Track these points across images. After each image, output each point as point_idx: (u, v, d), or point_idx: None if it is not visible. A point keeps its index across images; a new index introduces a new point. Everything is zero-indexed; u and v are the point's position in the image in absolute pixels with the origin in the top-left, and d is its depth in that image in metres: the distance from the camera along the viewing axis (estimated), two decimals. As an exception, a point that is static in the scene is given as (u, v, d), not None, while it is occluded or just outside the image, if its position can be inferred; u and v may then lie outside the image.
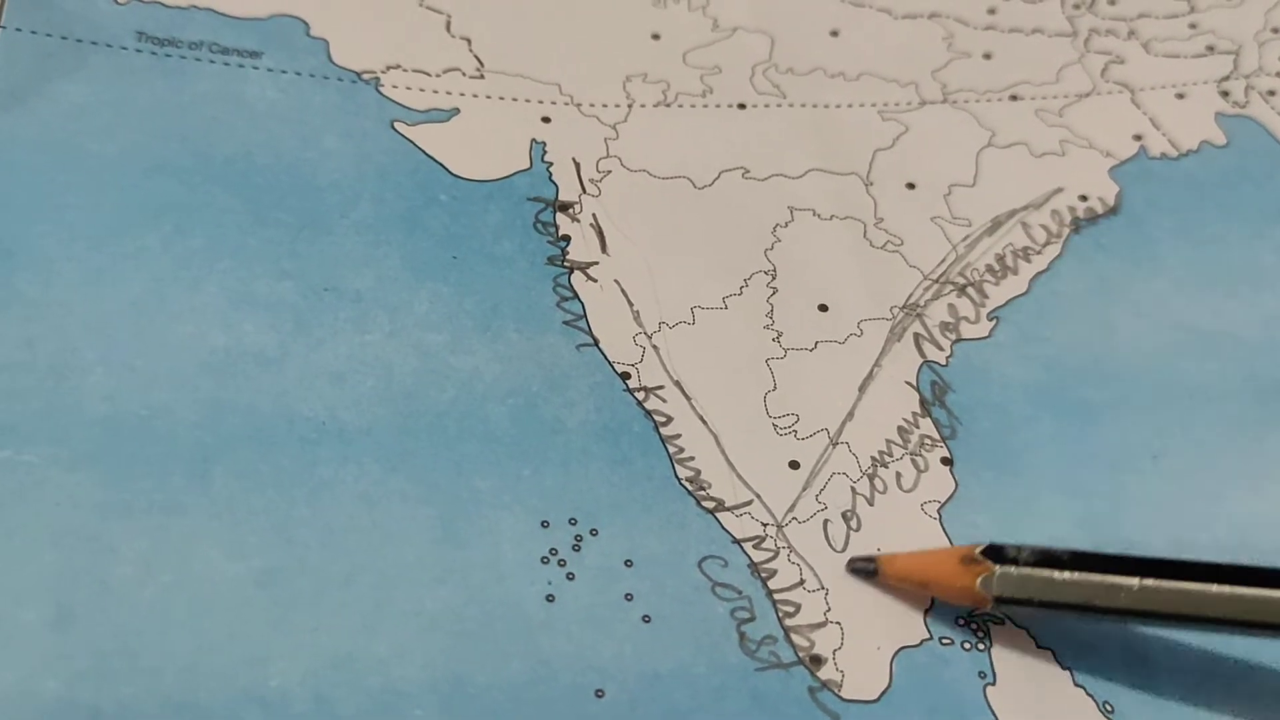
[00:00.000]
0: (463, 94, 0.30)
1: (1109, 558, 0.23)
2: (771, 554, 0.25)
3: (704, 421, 0.26)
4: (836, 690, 0.23)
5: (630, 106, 0.31)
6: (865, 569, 0.24)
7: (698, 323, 0.27)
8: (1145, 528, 0.26)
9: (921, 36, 0.33)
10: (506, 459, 0.25)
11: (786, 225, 0.29)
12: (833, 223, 0.30)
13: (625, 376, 0.26)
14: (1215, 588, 0.23)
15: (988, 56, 0.33)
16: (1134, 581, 0.23)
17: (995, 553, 0.23)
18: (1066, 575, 0.23)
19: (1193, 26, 0.34)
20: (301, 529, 0.23)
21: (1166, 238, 0.30)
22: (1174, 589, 0.23)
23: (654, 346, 0.27)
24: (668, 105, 0.31)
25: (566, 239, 0.28)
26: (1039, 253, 0.30)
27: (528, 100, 0.30)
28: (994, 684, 0.24)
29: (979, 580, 0.23)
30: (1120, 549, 0.25)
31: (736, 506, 0.25)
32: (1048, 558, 0.23)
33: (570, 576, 0.24)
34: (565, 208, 0.29)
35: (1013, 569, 0.23)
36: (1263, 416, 0.28)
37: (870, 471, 0.26)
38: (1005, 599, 0.23)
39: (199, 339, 0.25)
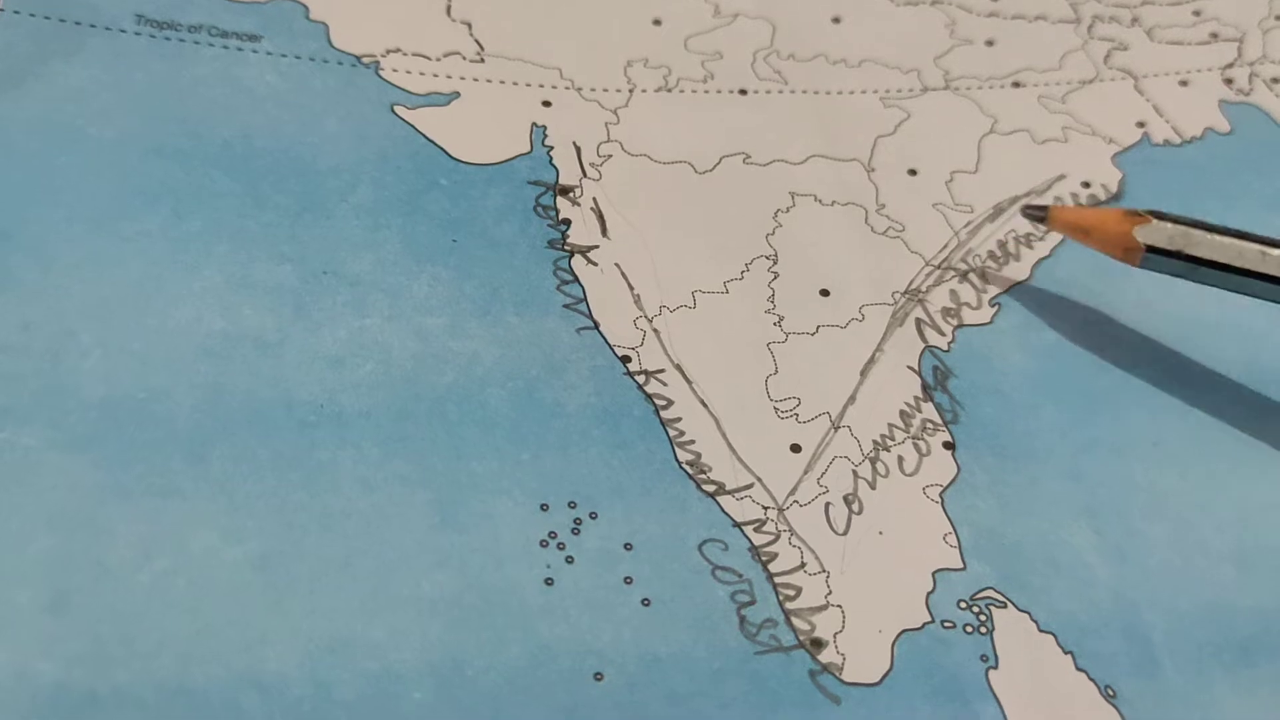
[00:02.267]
0: (463, 78, 0.30)
1: (1257, 235, 0.26)
2: (772, 537, 0.24)
3: (705, 405, 0.26)
4: (837, 673, 0.23)
5: (631, 91, 0.31)
6: (1037, 215, 0.28)
7: (699, 307, 0.27)
8: (1146, 514, 0.26)
9: (924, 23, 0.33)
10: (506, 443, 0.25)
11: (788, 210, 0.29)
12: (834, 208, 0.29)
13: (626, 360, 0.26)
14: None
15: (990, 43, 0.33)
16: (1276, 251, 0.25)
17: (1156, 214, 0.26)
18: (1218, 237, 0.26)
19: (1196, 14, 0.34)
20: (299, 513, 0.23)
21: (1170, 224, 0.30)
22: None
23: (655, 330, 0.27)
24: (669, 90, 0.31)
25: (567, 223, 0.28)
26: (1041, 239, 0.30)
27: (528, 84, 0.30)
28: (996, 667, 0.24)
29: (1136, 229, 0.26)
30: (1120, 536, 0.25)
31: (737, 490, 0.25)
32: (1203, 224, 0.26)
33: (569, 560, 0.24)
34: (566, 191, 0.29)
35: (1169, 224, 0.26)
36: (1264, 404, 0.28)
37: (872, 455, 0.26)
38: (1156, 250, 0.26)
39: (197, 322, 0.25)
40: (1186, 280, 0.26)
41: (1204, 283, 0.26)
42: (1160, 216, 0.26)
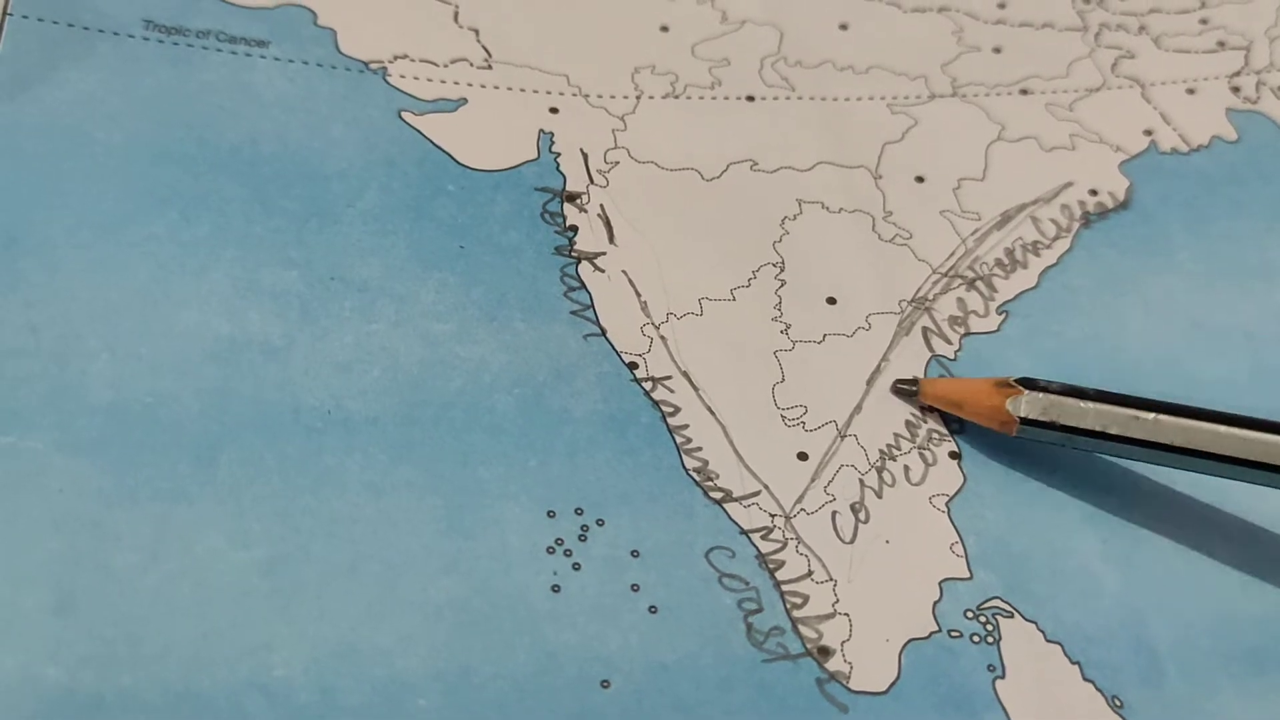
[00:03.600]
0: (470, 84, 0.30)
1: (1130, 397, 0.25)
2: (779, 545, 0.24)
3: (712, 412, 0.26)
4: (844, 682, 0.23)
5: (638, 98, 0.31)
6: (908, 390, 0.27)
7: (706, 314, 0.27)
8: (1152, 523, 0.26)
9: (931, 30, 0.33)
10: (513, 449, 0.25)
11: (795, 218, 0.29)
12: (841, 216, 0.29)
13: (633, 367, 0.26)
14: (1225, 428, 0.24)
15: (997, 50, 0.33)
16: (1150, 416, 0.24)
17: (1027, 383, 0.25)
18: (1089, 404, 0.25)
19: (1204, 22, 0.34)
20: (306, 518, 0.23)
21: (1177, 233, 0.30)
22: (1186, 425, 0.24)
23: (662, 337, 0.27)
24: (676, 97, 0.31)
25: (574, 229, 0.28)
26: (1048, 247, 0.30)
27: (535, 91, 0.30)
28: (1003, 677, 0.24)
29: (1008, 402, 0.25)
30: (1126, 545, 0.25)
31: (744, 497, 0.25)
32: (1073, 390, 0.25)
33: (576, 567, 0.24)
34: (573, 198, 0.29)
35: (1040, 394, 0.25)
36: (1272, 411, 0.28)
37: (878, 464, 0.26)
38: (1030, 421, 0.25)
39: (204, 327, 0.25)
40: (1064, 449, 0.25)
41: (1082, 449, 0.26)
42: (1032, 385, 0.25)
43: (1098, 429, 0.25)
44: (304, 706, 0.21)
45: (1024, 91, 0.32)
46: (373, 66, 0.30)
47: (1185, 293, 0.29)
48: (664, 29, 0.32)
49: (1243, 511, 0.26)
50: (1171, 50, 0.34)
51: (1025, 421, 0.25)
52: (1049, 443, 0.25)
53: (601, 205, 0.29)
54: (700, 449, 0.25)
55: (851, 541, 0.25)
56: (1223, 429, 0.24)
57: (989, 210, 0.30)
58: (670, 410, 0.26)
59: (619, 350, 0.26)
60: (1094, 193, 0.31)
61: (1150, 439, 0.24)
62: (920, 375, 0.27)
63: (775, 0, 0.33)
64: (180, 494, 0.23)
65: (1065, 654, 0.24)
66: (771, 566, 0.24)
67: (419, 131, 0.29)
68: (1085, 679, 0.24)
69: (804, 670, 0.23)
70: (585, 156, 0.29)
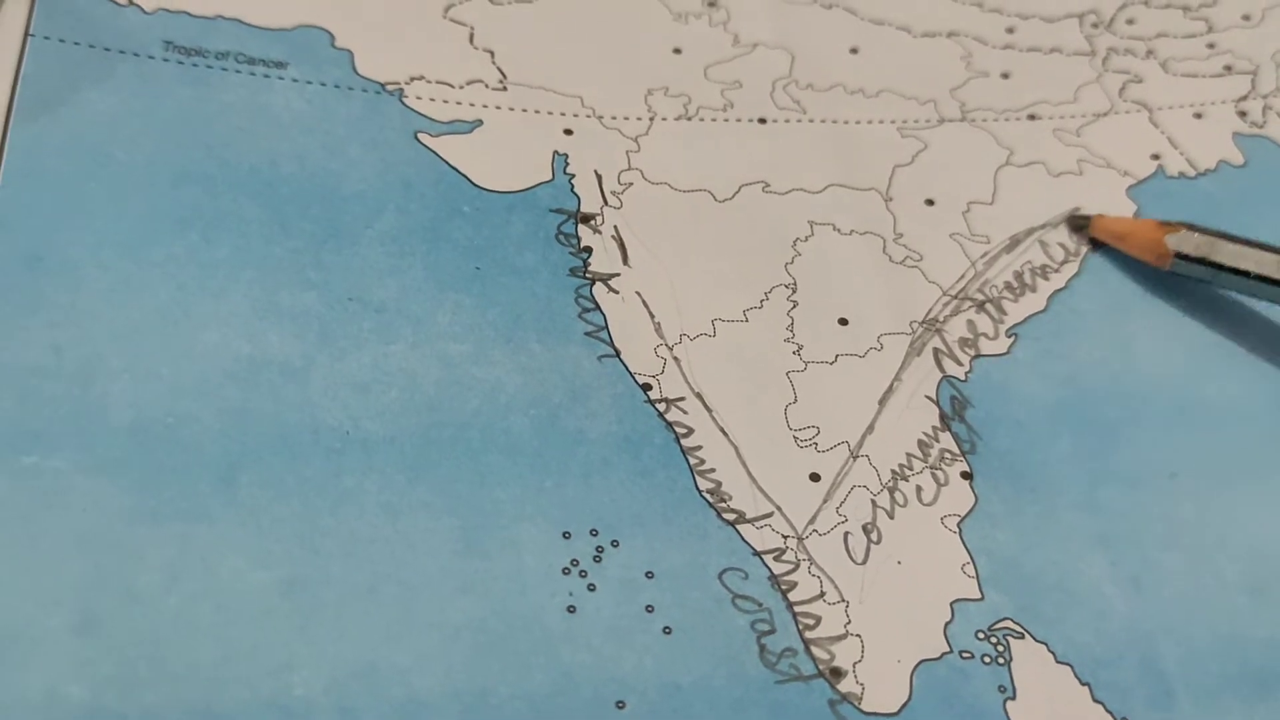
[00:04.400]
0: (486, 106, 0.30)
1: (1278, 247, 0.28)
2: (792, 566, 0.25)
3: (725, 433, 0.26)
4: (857, 703, 0.23)
5: (652, 120, 0.31)
6: (1080, 223, 0.30)
7: (719, 335, 0.28)
8: (1162, 545, 0.26)
9: (940, 55, 0.34)
10: (528, 470, 0.25)
11: (807, 239, 0.30)
12: (852, 238, 0.30)
13: (647, 388, 0.27)
14: None
15: (1006, 75, 0.33)
16: None
17: (1188, 225, 0.29)
18: (1240, 246, 0.28)
19: (1211, 46, 0.35)
20: (325, 538, 0.23)
21: (1184, 256, 0.31)
22: None
23: (675, 358, 0.27)
24: (689, 119, 0.31)
25: (588, 250, 0.28)
26: (1057, 270, 0.30)
27: (550, 112, 0.30)
28: (1014, 698, 0.24)
29: (1168, 237, 0.28)
30: (1136, 567, 0.26)
31: (757, 518, 0.25)
32: (1230, 236, 0.28)
33: (591, 588, 0.24)
34: (587, 219, 0.29)
35: (1196, 234, 0.28)
36: (1280, 435, 0.28)
37: (890, 485, 0.26)
38: (1185, 255, 0.28)
39: (224, 348, 0.25)
40: (1212, 286, 0.29)
41: (1226, 288, 0.29)
42: (1191, 228, 0.29)
43: (1244, 268, 0.28)
44: (323, 725, 0.22)
45: (1032, 116, 0.33)
46: (389, 88, 0.30)
47: (1194, 317, 0.30)
48: (677, 51, 0.32)
49: (1252, 533, 0.26)
50: (1179, 75, 0.34)
51: (1180, 256, 0.28)
52: (1198, 279, 0.29)
53: (615, 227, 0.29)
54: (713, 470, 0.26)
55: (863, 562, 0.25)
56: None
57: (998, 234, 0.30)
58: (684, 431, 0.26)
59: (633, 371, 0.27)
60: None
61: None
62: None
63: (787, 24, 0.33)
64: (201, 514, 0.23)
65: (1075, 675, 0.24)
66: (784, 588, 0.24)
67: (435, 153, 0.29)
68: (1095, 700, 0.24)
69: (816, 691, 0.23)
70: (599, 178, 0.30)
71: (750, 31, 0.33)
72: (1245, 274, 0.28)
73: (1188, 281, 0.30)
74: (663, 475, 0.25)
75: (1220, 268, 0.28)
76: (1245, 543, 0.26)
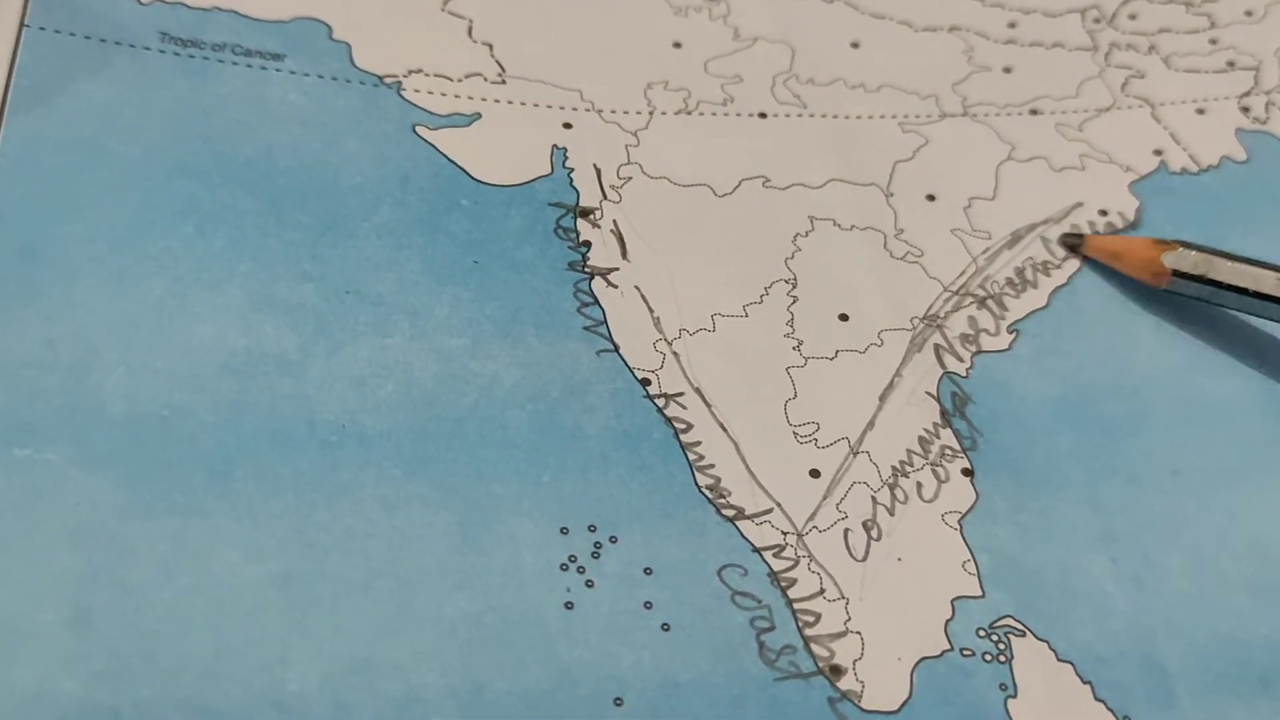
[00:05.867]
0: (484, 99, 0.30)
1: (1274, 264, 0.28)
2: (791, 563, 0.25)
3: (724, 429, 0.26)
4: (856, 701, 0.23)
5: (651, 114, 0.31)
6: (1073, 242, 0.29)
7: (718, 330, 0.27)
8: (1163, 543, 0.26)
9: (942, 49, 0.33)
10: (526, 465, 0.25)
11: (807, 234, 0.29)
12: (853, 233, 0.30)
13: (645, 383, 0.26)
14: None
15: (1008, 70, 0.33)
16: None
17: (1183, 243, 0.28)
18: (1239, 264, 0.28)
19: (1213, 42, 0.34)
20: (321, 533, 0.23)
21: (1187, 253, 0.30)
22: None
23: (674, 353, 0.27)
24: (689, 113, 0.31)
25: (587, 245, 0.28)
26: (1059, 267, 0.30)
27: (549, 106, 0.30)
28: (1015, 696, 0.24)
29: (1164, 255, 0.28)
30: (1137, 565, 0.25)
31: (756, 515, 0.25)
32: (1226, 253, 0.28)
33: (589, 584, 0.24)
34: (586, 214, 0.29)
35: (1194, 251, 0.28)
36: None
37: (891, 481, 0.26)
38: (1182, 273, 0.28)
39: (220, 341, 0.25)
40: (1208, 304, 0.28)
41: (1224, 305, 0.28)
42: (1187, 246, 0.28)
43: (1242, 285, 0.27)
44: (318, 721, 0.21)
45: (1034, 111, 0.33)
46: (387, 81, 0.30)
47: (1196, 315, 0.29)
48: (677, 45, 0.32)
49: (1254, 531, 0.26)
50: (1181, 70, 0.34)
51: (1177, 274, 0.28)
52: (1196, 297, 0.28)
53: (615, 221, 0.29)
54: (712, 466, 0.25)
55: (864, 559, 0.25)
56: None
57: (999, 229, 0.30)
58: (683, 427, 0.26)
59: (632, 366, 0.27)
60: (1104, 213, 0.31)
61: None
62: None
63: (787, 18, 0.33)
64: (195, 508, 0.23)
65: (1077, 673, 0.24)
66: (783, 584, 0.24)
67: (433, 146, 0.29)
68: (1096, 699, 0.24)
69: (816, 689, 0.23)
70: (599, 172, 0.29)
71: (750, 25, 0.33)
72: (1243, 291, 0.28)
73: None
74: (661, 471, 0.25)
75: (1218, 285, 0.28)
76: (1247, 541, 0.26)
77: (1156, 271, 0.28)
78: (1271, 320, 0.28)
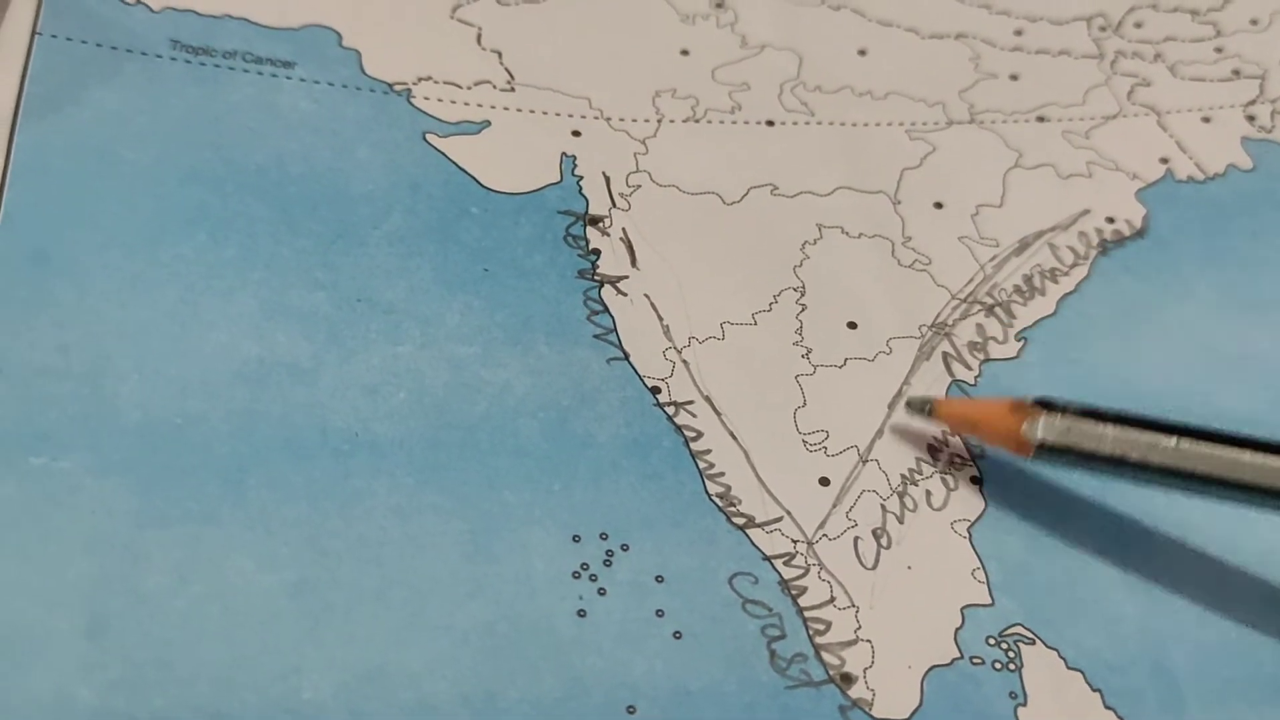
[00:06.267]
0: (494, 106, 0.30)
1: (1152, 419, 0.24)
2: (802, 571, 0.25)
3: (734, 437, 0.26)
4: (867, 709, 0.23)
5: (660, 122, 0.31)
6: (922, 407, 0.26)
7: (727, 338, 0.28)
8: (1173, 550, 0.26)
9: (948, 57, 0.34)
10: (537, 473, 0.25)
11: (815, 242, 0.29)
12: (861, 241, 0.30)
13: (655, 391, 0.26)
14: (1249, 455, 0.23)
15: (1014, 77, 0.33)
16: (1171, 440, 0.23)
17: (1045, 404, 0.24)
18: (1108, 429, 0.24)
19: (1219, 50, 0.35)
20: (334, 541, 0.23)
21: (1193, 261, 0.30)
22: (1209, 452, 0.23)
23: (684, 361, 0.27)
24: (697, 121, 0.31)
25: (597, 253, 0.28)
26: (1066, 274, 0.30)
27: (558, 114, 0.30)
28: (1025, 704, 0.24)
29: (1025, 425, 0.24)
30: (1147, 573, 0.26)
31: (767, 523, 0.25)
32: (1092, 412, 0.24)
33: (601, 592, 0.24)
34: (595, 221, 0.29)
35: (1058, 417, 0.24)
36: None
37: (900, 489, 0.26)
38: (1047, 445, 0.24)
39: (232, 348, 0.25)
40: (1081, 471, 0.25)
41: (1101, 475, 0.25)
42: (1049, 406, 0.24)
43: (1117, 454, 0.24)
44: (332, 729, 0.22)
45: (1041, 119, 0.33)
46: (397, 88, 0.30)
47: (1202, 321, 0.30)
48: (684, 53, 0.32)
49: (1263, 539, 0.26)
50: (1187, 79, 0.34)
51: (1042, 447, 0.24)
52: (1067, 466, 0.25)
53: (624, 229, 0.29)
54: (723, 474, 0.26)
55: (873, 567, 0.25)
56: (1246, 455, 0.23)
57: (1007, 237, 0.30)
58: (693, 435, 0.26)
59: (642, 374, 0.27)
60: (1111, 220, 0.31)
61: (1171, 465, 0.23)
62: (936, 395, 0.27)
63: (794, 25, 0.33)
64: (209, 516, 0.23)
65: (1087, 681, 0.24)
66: (794, 592, 0.24)
67: (443, 154, 0.29)
68: (1106, 706, 0.24)
69: (827, 697, 0.23)
70: (607, 180, 0.30)
71: (758, 33, 0.33)
72: (1122, 462, 0.24)
73: (1194, 288, 0.30)
74: (672, 479, 0.25)
75: (1091, 456, 0.24)
76: (1257, 548, 0.26)
77: (1020, 444, 0.24)
78: (1154, 486, 0.24)
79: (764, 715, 0.23)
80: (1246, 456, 0.23)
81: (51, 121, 0.27)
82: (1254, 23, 0.35)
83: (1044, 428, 0.24)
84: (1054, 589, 0.25)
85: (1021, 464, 0.26)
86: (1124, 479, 0.24)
